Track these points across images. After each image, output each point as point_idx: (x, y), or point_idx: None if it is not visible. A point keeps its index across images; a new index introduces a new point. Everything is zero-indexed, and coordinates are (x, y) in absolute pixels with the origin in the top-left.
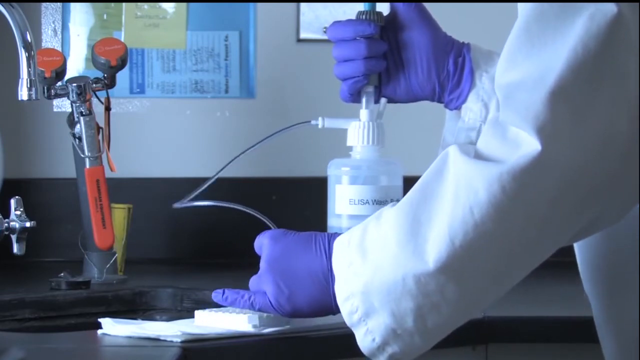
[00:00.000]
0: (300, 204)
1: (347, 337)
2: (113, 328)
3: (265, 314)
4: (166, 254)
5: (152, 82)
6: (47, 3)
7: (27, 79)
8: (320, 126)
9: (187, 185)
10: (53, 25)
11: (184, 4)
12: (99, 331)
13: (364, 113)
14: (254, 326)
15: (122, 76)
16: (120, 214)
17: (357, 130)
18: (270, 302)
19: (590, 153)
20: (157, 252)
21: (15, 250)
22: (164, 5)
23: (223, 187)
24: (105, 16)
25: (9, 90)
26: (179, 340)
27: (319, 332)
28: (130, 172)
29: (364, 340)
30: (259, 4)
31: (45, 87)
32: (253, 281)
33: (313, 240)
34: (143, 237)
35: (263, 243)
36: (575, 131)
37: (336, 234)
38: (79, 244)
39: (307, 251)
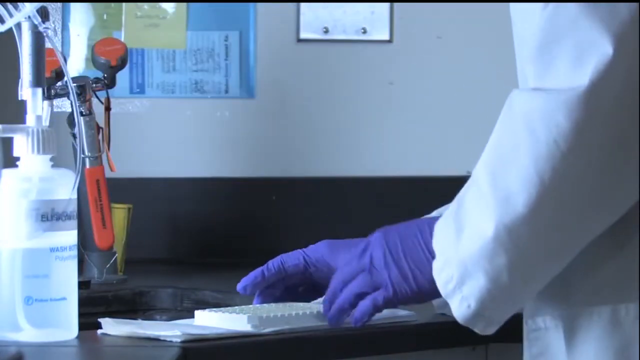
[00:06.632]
0: (300, 204)
1: (347, 337)
2: (113, 328)
3: (265, 314)
4: (166, 254)
5: (152, 82)
6: (47, 3)
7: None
8: None
9: (187, 185)
10: (53, 25)
11: (184, 4)
12: (99, 331)
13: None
14: (254, 326)
15: (122, 76)
16: (120, 214)
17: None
18: (393, 290)
19: None
20: (157, 252)
21: None
22: (164, 5)
23: (223, 187)
24: (105, 16)
25: (9, 90)
26: (179, 340)
27: (319, 332)
28: (130, 172)
29: (459, 308)
30: (259, 4)
31: (45, 87)
32: (363, 282)
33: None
34: (143, 237)
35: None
36: None
37: (432, 220)
38: (79, 244)
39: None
